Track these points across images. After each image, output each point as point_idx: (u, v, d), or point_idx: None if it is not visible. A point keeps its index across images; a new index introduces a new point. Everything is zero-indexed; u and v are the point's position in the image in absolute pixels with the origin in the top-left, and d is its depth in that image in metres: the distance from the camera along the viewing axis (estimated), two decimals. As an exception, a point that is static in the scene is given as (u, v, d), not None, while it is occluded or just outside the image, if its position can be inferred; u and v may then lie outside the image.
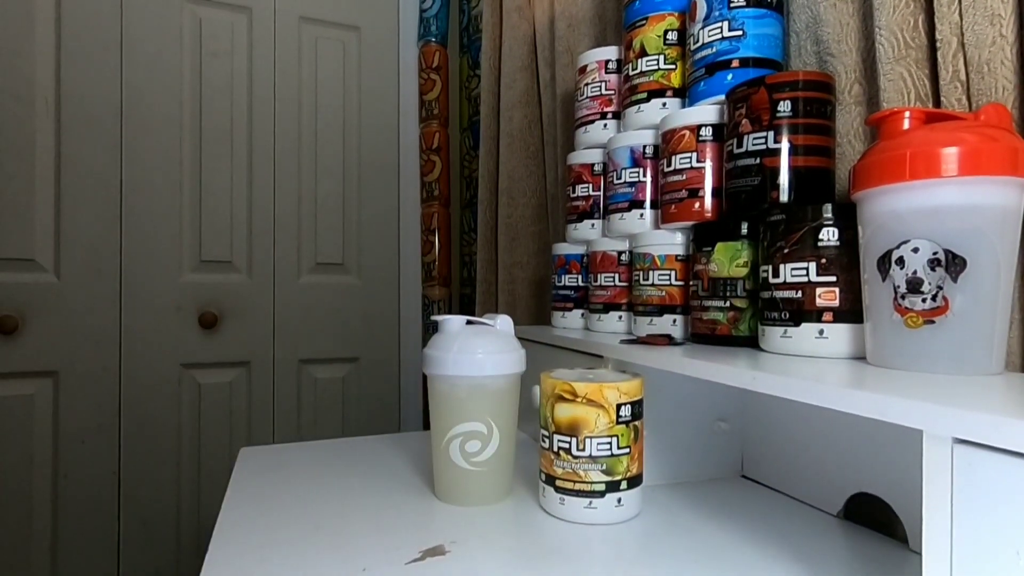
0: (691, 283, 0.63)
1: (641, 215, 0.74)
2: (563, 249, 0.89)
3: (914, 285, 0.40)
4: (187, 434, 1.50)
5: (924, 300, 0.40)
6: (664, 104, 0.73)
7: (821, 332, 0.49)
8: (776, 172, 0.56)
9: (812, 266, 0.49)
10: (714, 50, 0.64)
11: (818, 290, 0.49)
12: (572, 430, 0.53)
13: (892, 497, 0.50)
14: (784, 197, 0.55)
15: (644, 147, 0.74)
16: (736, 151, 0.59)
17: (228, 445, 1.55)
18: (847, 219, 0.48)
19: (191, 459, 1.51)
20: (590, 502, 0.53)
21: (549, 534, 0.52)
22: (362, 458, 0.74)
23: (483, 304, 1.38)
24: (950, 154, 0.38)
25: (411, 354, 1.76)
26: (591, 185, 0.84)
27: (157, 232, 1.47)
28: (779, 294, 0.51)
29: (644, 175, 0.74)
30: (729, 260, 0.58)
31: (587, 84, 0.84)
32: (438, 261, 1.69)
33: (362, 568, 0.45)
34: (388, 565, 0.46)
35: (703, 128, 0.65)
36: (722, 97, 0.63)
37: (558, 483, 0.54)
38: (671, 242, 0.68)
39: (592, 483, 0.53)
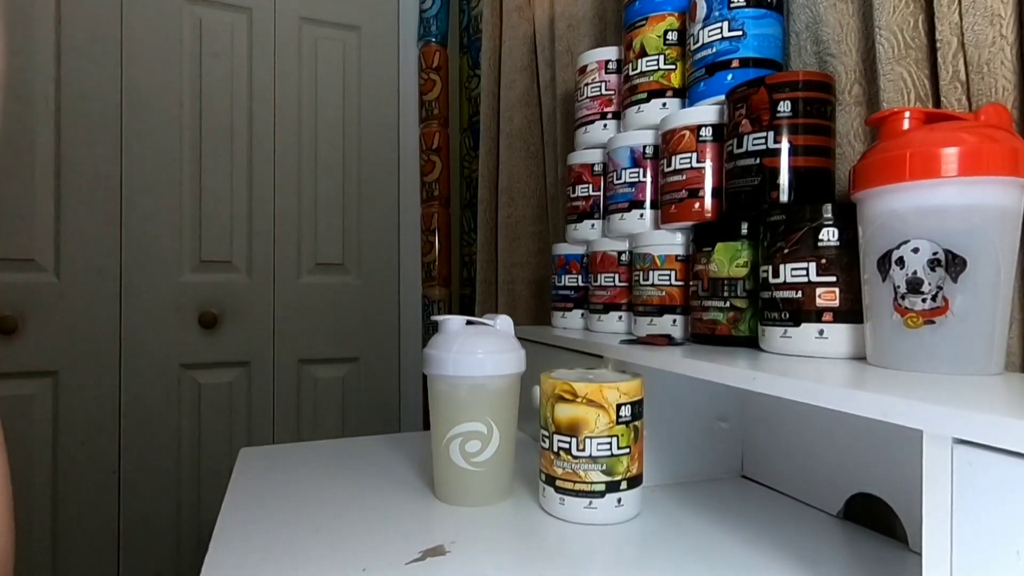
0: (691, 283, 0.63)
1: (641, 215, 0.74)
2: (563, 249, 0.89)
3: (914, 285, 0.40)
4: (187, 434, 1.50)
5: (924, 300, 0.40)
6: (664, 104, 0.73)
7: (821, 332, 0.49)
8: (776, 172, 0.56)
9: (812, 266, 0.49)
10: (714, 50, 0.64)
11: (818, 290, 0.49)
12: (572, 430, 0.53)
13: (892, 497, 0.50)
14: (784, 197, 0.55)
15: (644, 147, 0.74)
16: (736, 151, 0.59)
17: (228, 445, 1.55)
18: (847, 219, 0.48)
19: (191, 459, 1.51)
20: (590, 502, 0.53)
21: (549, 534, 0.52)
22: (362, 458, 0.74)
23: (483, 304, 1.38)
24: (950, 154, 0.38)
25: (411, 354, 1.76)
26: (591, 185, 0.84)
27: (157, 232, 1.47)
28: (779, 294, 0.51)
29: (644, 175, 0.74)
30: (729, 260, 0.58)
31: (587, 84, 0.84)
32: (438, 261, 1.69)
33: (362, 568, 0.45)
34: (388, 565, 0.46)
35: (703, 128, 0.65)
36: (722, 97, 0.63)
37: (558, 483, 0.54)
38: (671, 242, 0.68)
39: (592, 483, 0.53)
